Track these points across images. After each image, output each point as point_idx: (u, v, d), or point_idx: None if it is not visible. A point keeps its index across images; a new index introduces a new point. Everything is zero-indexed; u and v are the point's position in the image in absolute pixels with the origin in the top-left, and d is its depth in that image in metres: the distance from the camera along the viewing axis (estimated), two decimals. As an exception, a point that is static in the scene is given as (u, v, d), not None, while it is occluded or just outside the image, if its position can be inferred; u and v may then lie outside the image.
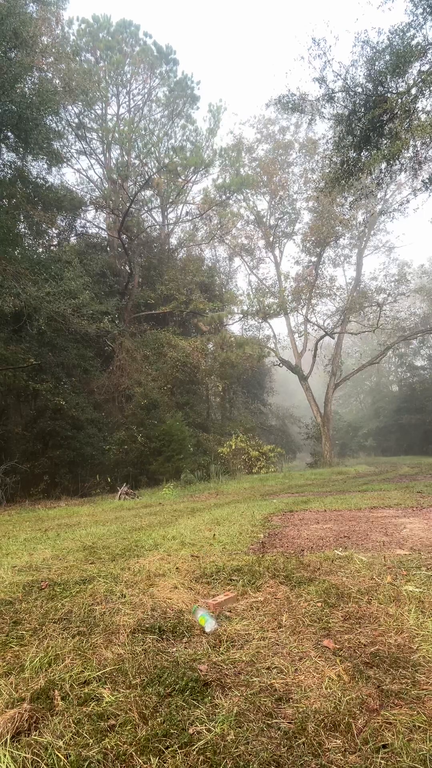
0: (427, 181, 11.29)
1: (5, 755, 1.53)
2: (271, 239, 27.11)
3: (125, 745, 1.59)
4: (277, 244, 27.73)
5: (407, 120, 9.61)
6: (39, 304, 13.64)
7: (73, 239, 22.33)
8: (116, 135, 21.99)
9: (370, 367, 32.40)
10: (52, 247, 19.23)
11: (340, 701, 1.84)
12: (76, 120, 21.63)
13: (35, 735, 1.66)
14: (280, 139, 25.20)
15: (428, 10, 9.33)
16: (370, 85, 10.08)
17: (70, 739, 1.63)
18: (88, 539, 5.42)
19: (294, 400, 45.92)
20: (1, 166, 14.97)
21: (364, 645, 2.36)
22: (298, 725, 1.71)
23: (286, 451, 27.09)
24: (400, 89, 9.88)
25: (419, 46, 9.39)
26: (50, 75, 16.72)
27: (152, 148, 21.11)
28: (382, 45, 9.74)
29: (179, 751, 1.56)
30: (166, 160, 20.68)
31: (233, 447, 19.34)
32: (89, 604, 3.02)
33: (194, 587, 3.35)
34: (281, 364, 27.31)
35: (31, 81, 14.32)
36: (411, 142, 9.64)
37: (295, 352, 27.06)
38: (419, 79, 9.51)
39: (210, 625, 2.59)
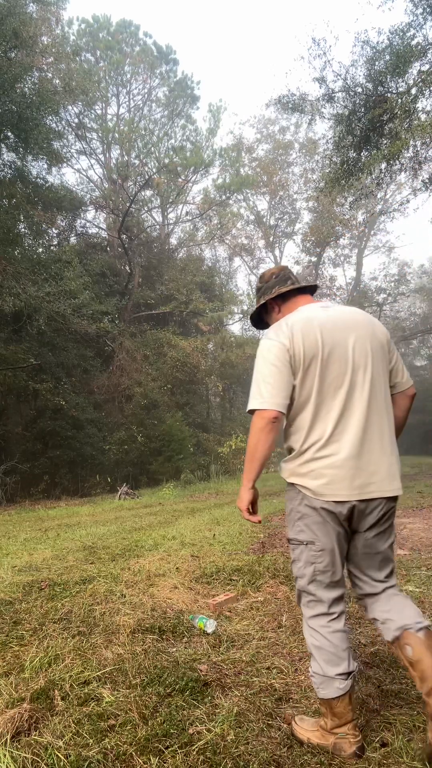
0: (427, 181, 11.28)
1: (5, 755, 1.53)
2: (271, 239, 27.14)
3: (125, 745, 1.59)
4: (277, 244, 27.78)
5: (407, 120, 9.61)
6: (39, 304, 13.63)
7: (73, 239, 22.31)
8: (116, 135, 21.98)
9: (370, 367, 32.39)
10: (52, 247, 19.20)
11: (340, 701, 1.84)
12: (76, 120, 21.62)
13: (35, 735, 1.66)
14: (280, 139, 25.22)
15: (428, 10, 9.32)
16: (370, 85, 10.08)
17: (70, 739, 1.63)
18: (88, 539, 5.42)
19: (294, 400, 45.90)
20: (1, 166, 14.96)
21: (364, 645, 2.36)
22: (298, 725, 1.71)
23: (286, 451, 27.01)
24: (400, 89, 9.88)
25: (419, 46, 9.39)
26: (50, 75, 16.69)
27: (152, 148, 21.09)
28: (382, 45, 9.74)
29: (179, 751, 1.56)
30: (166, 160, 20.66)
31: (233, 447, 19.32)
32: (89, 604, 3.02)
33: (194, 587, 3.35)
34: (281, 364, 27.27)
35: (31, 81, 14.30)
36: (411, 142, 9.63)
37: (295, 352, 27.03)
38: (419, 79, 9.51)
39: (210, 625, 2.59)
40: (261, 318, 1.90)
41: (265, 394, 1.55)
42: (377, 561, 1.64)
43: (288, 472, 1.64)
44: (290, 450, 1.64)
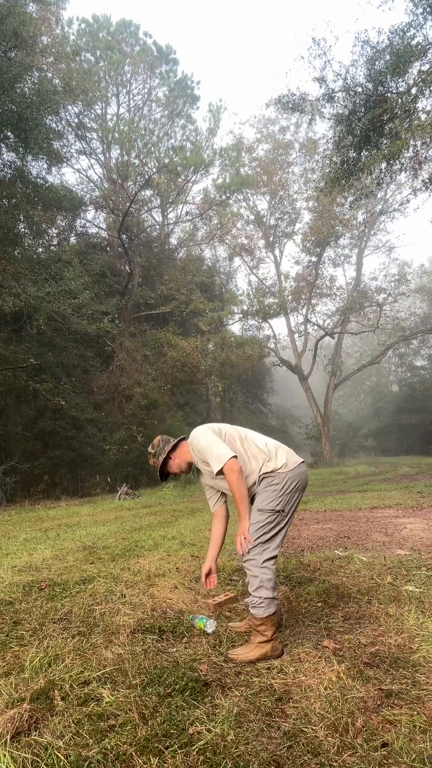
0: (427, 181, 11.29)
1: (5, 755, 1.53)
2: (271, 239, 27.09)
3: (125, 745, 1.59)
4: (277, 244, 27.71)
5: (407, 120, 9.61)
6: (39, 304, 13.62)
7: (73, 239, 22.30)
8: (116, 135, 21.97)
9: (370, 367, 32.36)
10: (52, 247, 19.19)
11: (340, 701, 1.84)
12: (76, 120, 21.61)
13: (35, 735, 1.66)
14: (280, 139, 25.16)
15: (428, 9, 9.32)
16: (370, 85, 10.07)
17: (70, 739, 1.63)
18: (88, 539, 5.42)
19: (294, 400, 45.87)
20: (1, 166, 14.97)
21: (364, 645, 2.36)
22: (298, 725, 1.71)
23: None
24: (400, 89, 9.88)
25: (419, 46, 9.39)
26: (50, 75, 16.67)
27: (152, 148, 21.08)
28: (382, 45, 9.74)
29: (179, 751, 1.56)
30: (166, 160, 20.65)
31: (233, 447, 19.28)
32: (89, 604, 3.02)
33: (194, 587, 3.35)
34: (281, 364, 27.29)
35: (31, 81, 14.29)
36: (411, 142, 9.63)
37: (295, 352, 27.04)
38: (419, 79, 9.50)
39: (210, 625, 2.59)
40: (163, 470, 2.67)
41: (221, 454, 2.33)
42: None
43: (270, 468, 2.38)
44: (257, 464, 2.41)
